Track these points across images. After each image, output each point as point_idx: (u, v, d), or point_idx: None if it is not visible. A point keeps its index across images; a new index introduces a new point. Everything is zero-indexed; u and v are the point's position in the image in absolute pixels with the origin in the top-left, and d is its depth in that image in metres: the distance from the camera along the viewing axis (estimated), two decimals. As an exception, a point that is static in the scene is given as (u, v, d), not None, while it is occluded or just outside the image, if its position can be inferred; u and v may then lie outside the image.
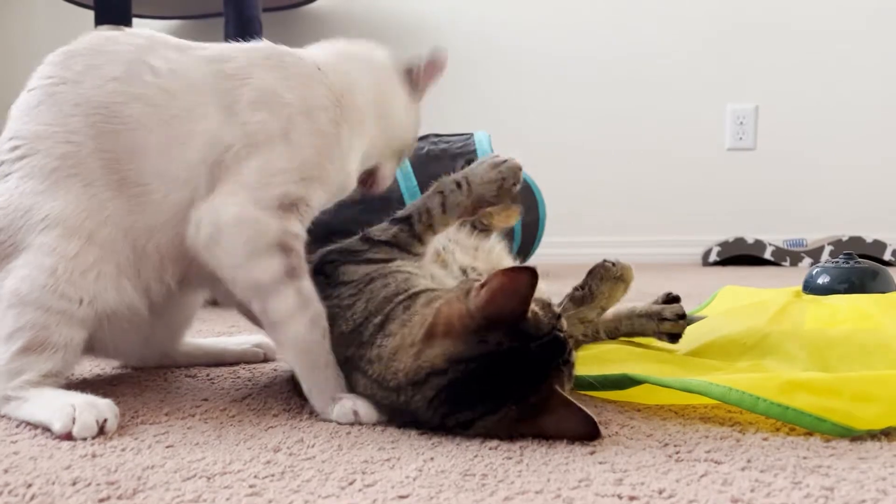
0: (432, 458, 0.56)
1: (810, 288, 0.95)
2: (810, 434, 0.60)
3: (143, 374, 0.88)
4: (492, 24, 3.04)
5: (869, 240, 2.59)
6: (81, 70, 0.73)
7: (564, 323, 0.64)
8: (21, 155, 0.71)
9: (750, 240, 2.74)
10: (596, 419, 0.59)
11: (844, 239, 2.60)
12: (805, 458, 0.55)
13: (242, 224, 0.69)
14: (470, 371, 0.58)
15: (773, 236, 2.77)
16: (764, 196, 2.89)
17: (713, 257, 2.76)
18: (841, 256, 0.93)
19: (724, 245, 2.76)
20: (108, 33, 0.77)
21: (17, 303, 0.67)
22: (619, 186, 2.97)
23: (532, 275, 0.57)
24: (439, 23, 3.04)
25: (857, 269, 0.90)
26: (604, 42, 2.99)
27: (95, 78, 0.72)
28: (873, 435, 0.59)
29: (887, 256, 2.58)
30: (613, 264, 0.86)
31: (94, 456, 0.57)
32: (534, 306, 0.60)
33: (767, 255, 2.70)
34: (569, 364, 0.62)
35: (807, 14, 2.84)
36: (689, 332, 0.98)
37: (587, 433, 0.59)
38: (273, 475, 0.53)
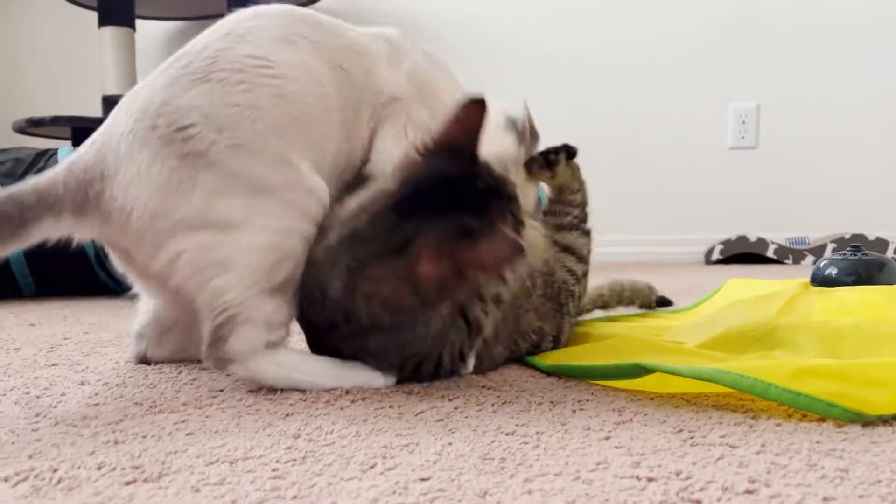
0: (450, 444, 0.57)
1: (818, 280, 0.95)
2: (822, 419, 0.61)
3: (156, 367, 0.88)
4: (494, 25, 3.06)
5: (871, 237, 2.60)
6: (312, 32, 0.78)
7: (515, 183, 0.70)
8: (275, 74, 0.72)
9: (752, 238, 2.75)
10: (523, 244, 0.60)
11: (847, 237, 2.61)
12: (819, 442, 0.56)
13: None
14: (418, 187, 0.64)
15: (776, 234, 2.78)
16: (766, 194, 2.90)
17: (716, 255, 2.77)
18: (848, 248, 0.94)
19: (726, 243, 2.77)
20: (297, 10, 0.81)
21: (285, 254, 0.70)
22: (622, 185, 2.98)
23: (482, 105, 0.63)
24: (441, 24, 3.05)
25: (864, 261, 0.91)
26: (605, 41, 3.00)
27: (328, 40, 0.78)
28: (885, 420, 0.60)
29: (890, 254, 2.58)
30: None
31: (116, 443, 0.58)
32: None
33: (770, 254, 2.71)
34: (514, 214, 0.67)
35: (809, 12, 2.85)
36: (698, 325, 0.99)
37: (513, 250, 0.60)
38: (294, 460, 0.53)
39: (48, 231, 0.69)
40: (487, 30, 3.05)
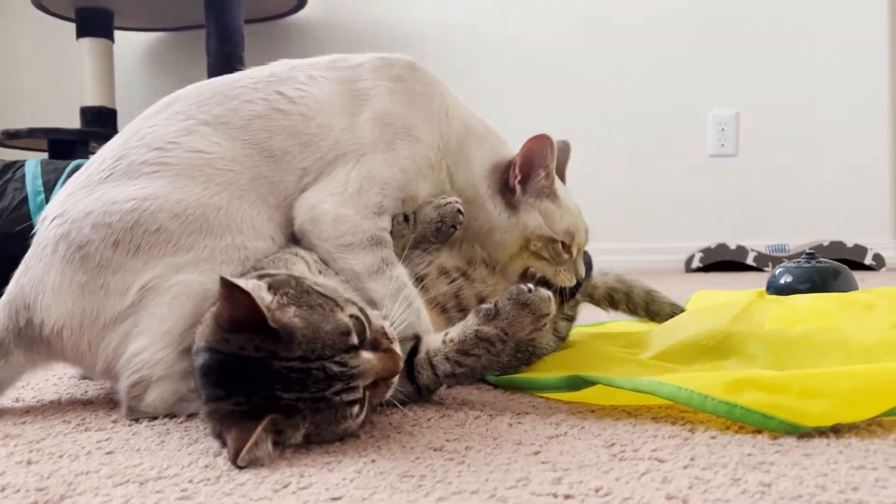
0: (374, 461, 0.55)
1: (773, 288, 0.94)
2: (759, 431, 0.60)
3: (92, 383, 0.86)
4: (477, 33, 3.06)
5: (850, 244, 2.60)
6: (221, 113, 0.77)
7: (364, 357, 0.58)
8: (170, 174, 0.72)
9: (732, 245, 2.74)
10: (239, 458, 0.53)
11: (826, 244, 2.60)
12: (750, 454, 0.54)
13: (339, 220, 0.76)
14: (218, 361, 0.58)
15: (756, 242, 2.78)
16: (746, 202, 2.90)
17: (696, 263, 2.76)
18: (803, 256, 0.93)
19: (706, 251, 2.77)
20: (226, 78, 0.81)
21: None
22: (602, 193, 2.97)
23: (233, 286, 0.55)
24: (423, 32, 3.05)
25: (818, 268, 0.90)
26: (586, 50, 3.01)
27: (239, 119, 0.77)
28: (822, 432, 0.59)
29: (868, 261, 2.58)
30: (530, 290, 0.68)
31: (29, 463, 0.56)
32: (310, 324, 0.57)
33: (749, 261, 2.70)
34: (332, 402, 0.56)
35: (786, 21, 2.86)
36: (654, 334, 0.97)
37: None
38: (209, 479, 0.52)
39: (7, 373, 0.71)
40: (471, 39, 3.05)
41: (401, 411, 0.70)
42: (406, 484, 0.50)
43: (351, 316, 0.59)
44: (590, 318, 1.30)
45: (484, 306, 0.69)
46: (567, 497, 0.47)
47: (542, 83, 3.02)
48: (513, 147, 0.92)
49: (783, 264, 0.94)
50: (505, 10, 3.06)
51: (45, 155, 2.70)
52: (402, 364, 0.61)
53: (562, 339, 0.93)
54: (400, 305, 0.73)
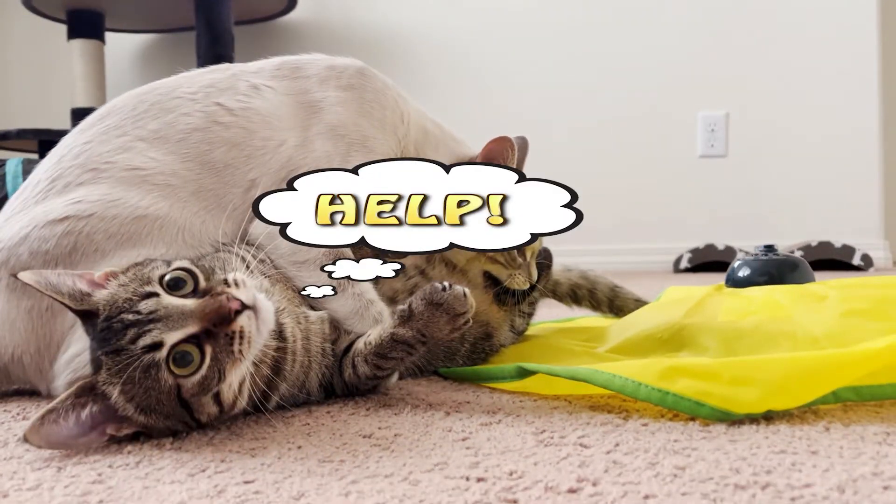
0: (299, 447, 0.55)
1: (732, 281, 0.94)
2: (693, 419, 0.59)
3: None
4: (464, 35, 3.06)
5: (838, 244, 2.59)
6: (157, 128, 0.76)
7: (165, 302, 0.55)
8: (108, 201, 0.72)
9: (720, 246, 2.73)
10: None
11: (814, 244, 2.60)
12: (676, 441, 0.54)
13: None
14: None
15: (744, 242, 2.77)
16: (735, 202, 2.89)
17: (684, 264, 2.76)
18: (760, 249, 0.93)
19: (694, 252, 2.76)
20: (163, 86, 0.79)
21: None
22: (591, 194, 2.96)
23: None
24: (411, 34, 3.05)
25: (775, 261, 0.90)
26: (575, 53, 3.01)
27: (176, 133, 0.75)
28: (754, 419, 0.58)
29: (856, 261, 2.57)
30: (444, 288, 0.64)
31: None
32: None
33: (738, 261, 2.69)
34: (130, 351, 0.54)
35: (776, 22, 2.86)
36: (612, 329, 0.97)
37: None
38: (128, 464, 0.52)
39: None
40: (458, 41, 3.05)
41: (342, 402, 0.70)
42: (323, 468, 0.50)
43: (177, 269, 0.58)
44: (562, 316, 1.30)
45: (399, 307, 0.67)
46: (479, 480, 0.47)
47: (528, 85, 3.02)
48: (473, 145, 0.92)
49: (741, 257, 0.93)
50: (494, 12, 3.07)
51: (34, 156, 2.71)
52: (235, 304, 0.55)
53: (518, 335, 0.93)
54: (367, 324, 0.72)
